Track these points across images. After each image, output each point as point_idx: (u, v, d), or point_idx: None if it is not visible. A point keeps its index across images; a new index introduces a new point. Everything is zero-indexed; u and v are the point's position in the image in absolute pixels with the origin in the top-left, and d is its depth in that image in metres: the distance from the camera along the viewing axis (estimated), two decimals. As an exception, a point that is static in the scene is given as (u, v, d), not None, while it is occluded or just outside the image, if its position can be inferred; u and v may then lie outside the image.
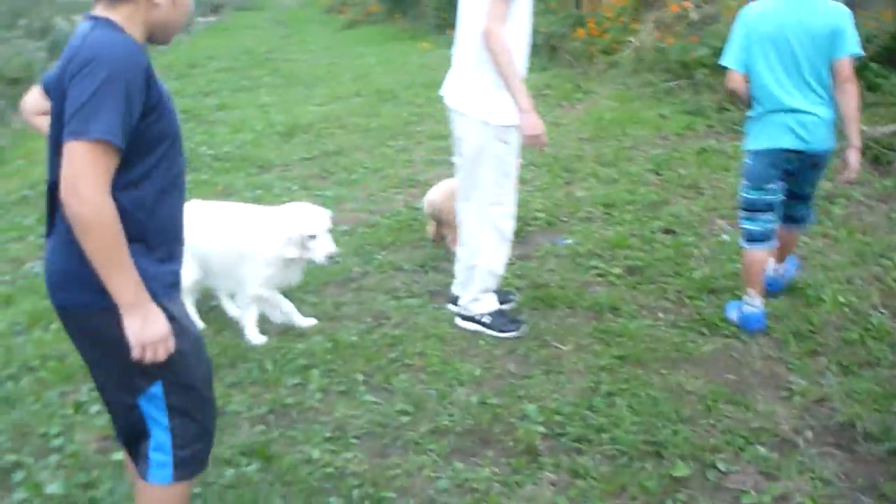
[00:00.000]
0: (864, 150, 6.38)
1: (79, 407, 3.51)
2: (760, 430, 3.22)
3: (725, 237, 5.13)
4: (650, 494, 2.85)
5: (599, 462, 3.03)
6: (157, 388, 2.12)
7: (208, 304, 4.51)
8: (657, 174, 6.37)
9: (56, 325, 4.24)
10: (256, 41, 17.76)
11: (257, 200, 6.25)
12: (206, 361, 2.23)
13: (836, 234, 5.14)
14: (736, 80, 3.95)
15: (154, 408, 2.15)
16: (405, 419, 3.34)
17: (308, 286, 4.59)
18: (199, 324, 4.19)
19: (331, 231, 3.98)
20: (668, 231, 5.25)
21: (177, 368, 2.11)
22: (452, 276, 4.37)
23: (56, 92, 1.97)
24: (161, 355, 2.02)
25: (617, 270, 4.67)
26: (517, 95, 3.58)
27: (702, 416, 3.31)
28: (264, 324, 4.25)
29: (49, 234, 2.11)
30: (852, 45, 3.68)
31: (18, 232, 5.84)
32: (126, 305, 1.95)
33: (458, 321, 4.12)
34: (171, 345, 2.05)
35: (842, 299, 4.24)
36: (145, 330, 1.98)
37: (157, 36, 2.14)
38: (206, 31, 22.72)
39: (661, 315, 4.17)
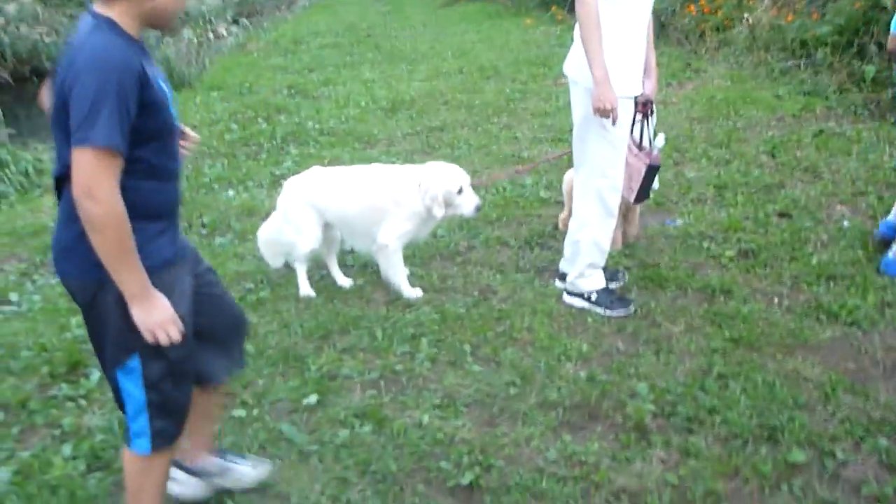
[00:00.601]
0: None
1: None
2: (882, 421, 3.10)
3: (846, 223, 4.92)
4: (765, 478, 2.80)
5: (711, 443, 2.99)
6: (134, 362, 2.21)
7: (319, 272, 4.64)
8: (772, 156, 6.16)
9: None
10: (358, 18, 18.01)
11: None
12: (186, 337, 2.22)
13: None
14: None
15: (131, 381, 2.23)
16: (513, 391, 3.37)
17: (415, 259, 4.67)
18: (311, 292, 4.32)
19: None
20: (783, 215, 5.08)
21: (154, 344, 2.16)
22: (559, 252, 4.37)
23: (57, 94, 2.07)
24: (174, 336, 2.15)
25: (730, 253, 4.55)
26: (592, 65, 3.52)
27: (819, 404, 3.22)
28: (373, 293, 4.36)
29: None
30: None
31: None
32: (132, 296, 2.09)
33: (566, 297, 4.11)
34: (179, 324, 2.16)
35: (973, 291, 4.02)
36: (152, 316, 2.11)
37: (157, 24, 2.22)
38: (309, 8, 23.19)
39: (776, 300, 4.05)
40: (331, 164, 6.71)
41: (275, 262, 4.53)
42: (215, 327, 2.54)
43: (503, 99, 8.83)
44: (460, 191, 4.07)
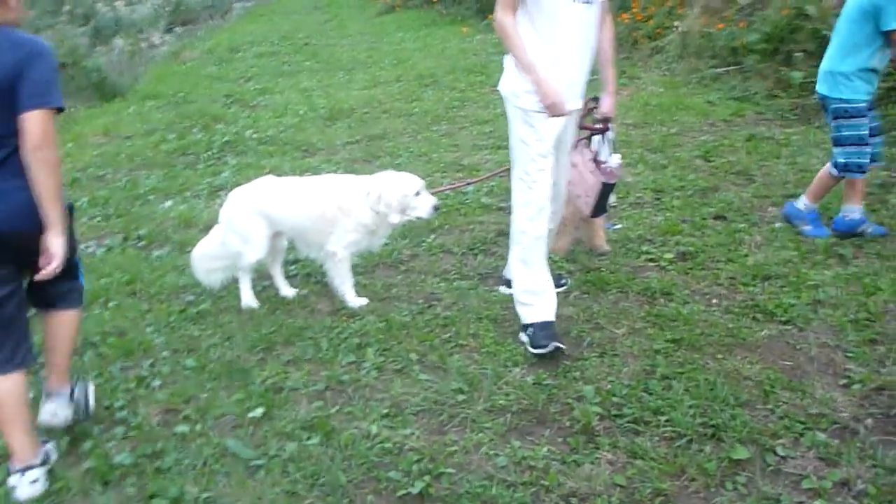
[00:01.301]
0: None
1: (141, 381, 3.59)
2: (819, 416, 3.20)
3: (778, 224, 5.07)
4: (709, 476, 2.85)
5: (657, 443, 3.03)
6: (77, 259, 3.14)
7: (262, 283, 4.57)
8: (706, 160, 6.31)
9: (114, 302, 4.34)
10: (295, 26, 17.86)
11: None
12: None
13: (893, 222, 5.06)
14: None
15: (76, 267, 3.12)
16: (461, 398, 3.36)
17: (358, 267, 4.63)
18: (254, 303, 4.26)
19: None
20: (719, 217, 5.20)
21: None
22: (503, 258, 4.39)
23: None
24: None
25: (669, 255, 4.64)
26: (529, 75, 3.51)
27: (759, 402, 3.30)
28: (317, 303, 4.31)
29: None
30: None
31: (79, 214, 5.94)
32: (61, 227, 2.76)
33: (503, 289, 4.22)
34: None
35: (900, 287, 4.18)
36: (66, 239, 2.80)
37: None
38: (244, 16, 22.90)
39: (714, 300, 4.14)
40: (271, 174, 6.65)
41: (211, 279, 4.40)
42: None
43: (442, 107, 8.85)
44: (417, 193, 4.12)
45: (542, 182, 3.65)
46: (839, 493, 2.78)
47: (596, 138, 4.09)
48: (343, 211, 4.11)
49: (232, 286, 4.55)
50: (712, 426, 3.10)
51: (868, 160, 4.78)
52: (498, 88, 3.79)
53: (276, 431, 3.17)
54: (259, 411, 3.28)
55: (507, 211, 5.53)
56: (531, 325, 3.73)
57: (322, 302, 4.33)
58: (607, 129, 4.03)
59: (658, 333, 3.81)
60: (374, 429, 3.15)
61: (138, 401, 3.44)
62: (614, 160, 4.18)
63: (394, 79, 10.67)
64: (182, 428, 3.21)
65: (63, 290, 3.09)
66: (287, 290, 4.43)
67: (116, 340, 3.92)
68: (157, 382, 3.56)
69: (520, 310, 3.81)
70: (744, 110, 7.68)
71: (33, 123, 2.62)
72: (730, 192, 5.63)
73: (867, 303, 4.03)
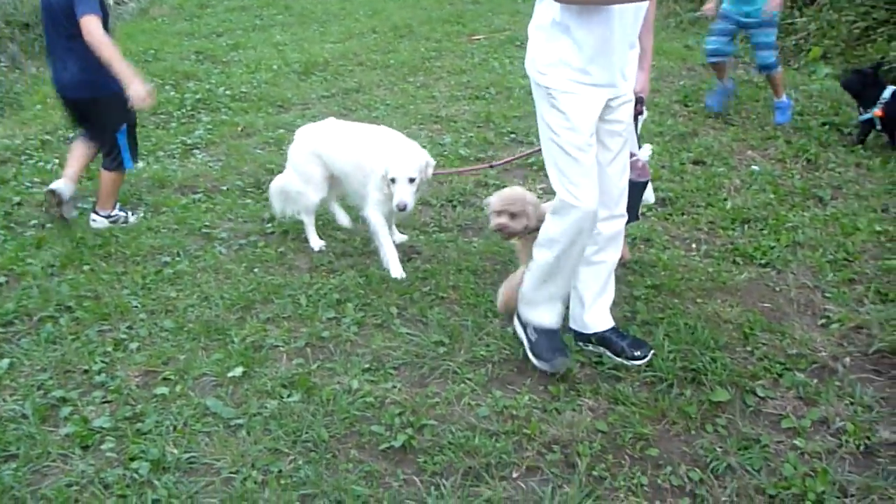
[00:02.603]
0: (898, 77, 6.26)
1: (118, 344, 3.54)
2: (798, 356, 3.22)
3: (756, 168, 5.06)
4: (690, 419, 2.87)
5: (638, 389, 3.05)
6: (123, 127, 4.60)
7: (238, 242, 4.51)
8: (685, 105, 6.28)
9: (88, 266, 4.27)
10: (267, -20, 17.42)
11: (279, 140, 6.23)
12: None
13: (870, 163, 5.07)
14: None
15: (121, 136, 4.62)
16: (442, 350, 3.35)
17: (334, 223, 4.59)
18: (317, 245, 4.39)
19: (413, 181, 3.83)
20: (697, 162, 5.19)
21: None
22: (481, 209, 4.35)
23: (52, 8, 4.40)
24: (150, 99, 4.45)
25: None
26: None
27: (739, 344, 3.32)
28: (295, 260, 4.27)
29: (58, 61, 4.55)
30: None
31: (42, 176, 5.82)
32: (130, 77, 4.32)
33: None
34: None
35: (878, 228, 4.20)
36: (141, 84, 4.35)
37: None
38: (214, -30, 22.29)
39: (693, 245, 4.14)
40: (244, 130, 6.55)
41: (288, 212, 4.51)
42: None
43: (418, 58, 8.72)
44: (392, 180, 3.83)
45: (584, 185, 2.89)
46: (818, 431, 2.81)
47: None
48: (371, 167, 3.99)
49: (208, 246, 4.50)
50: (693, 370, 3.12)
51: None
52: (525, 66, 3.06)
53: (257, 390, 3.15)
54: (239, 370, 3.25)
55: (485, 162, 5.49)
56: (534, 327, 3.21)
57: (300, 259, 4.28)
58: (640, 112, 3.31)
59: (638, 280, 3.81)
60: (355, 384, 3.14)
61: (116, 364, 3.39)
62: (644, 153, 3.46)
63: (368, 30, 10.48)
64: (161, 389, 3.18)
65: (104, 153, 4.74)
66: (343, 219, 4.63)
67: (92, 304, 3.86)
68: (134, 345, 3.51)
69: (521, 307, 3.28)
70: (722, 53, 7.60)
71: (85, 24, 4.20)
72: (708, 136, 5.61)
73: (845, 243, 4.05)
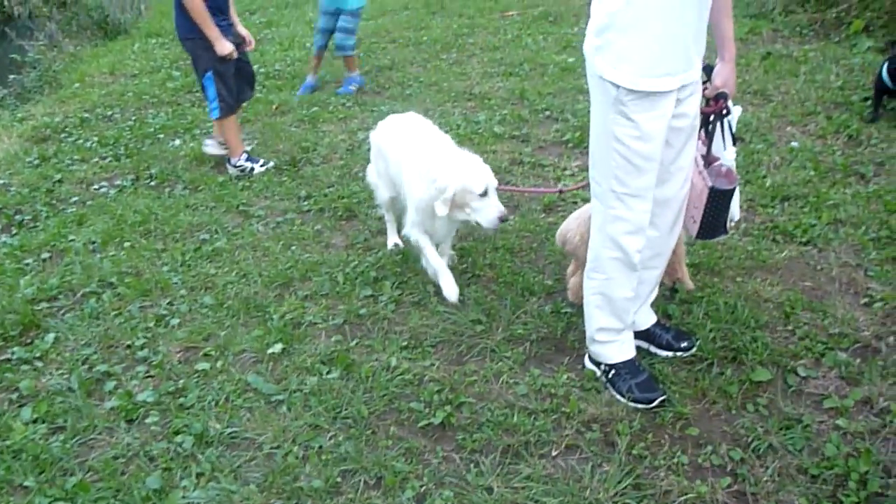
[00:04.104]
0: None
1: (160, 320, 3.60)
2: (840, 336, 3.17)
3: (795, 144, 4.97)
4: (731, 398, 2.85)
5: (678, 368, 3.03)
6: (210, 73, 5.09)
7: (275, 220, 4.55)
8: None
9: (129, 243, 4.34)
10: (298, -44, 17.38)
11: (313, 118, 6.25)
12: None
13: (913, 137, 4.95)
14: None
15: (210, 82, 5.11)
16: (479, 328, 3.36)
17: (373, 200, 4.59)
18: (392, 243, 4.11)
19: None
20: (736, 139, 5.08)
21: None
22: (516, 186, 4.32)
23: None
24: (234, 54, 5.02)
25: (685, 179, 4.56)
26: None
27: (780, 323, 3.27)
28: (332, 238, 4.29)
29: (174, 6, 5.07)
30: None
31: (82, 154, 5.92)
32: (215, 38, 4.87)
33: (586, 360, 3.11)
34: (235, 53, 5.05)
35: (923, 204, 4.11)
36: (225, 46, 4.92)
37: None
38: (245, -53, 22.26)
39: (733, 223, 4.08)
40: (280, 108, 6.57)
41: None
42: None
43: (451, 34, 8.67)
44: (484, 194, 3.35)
45: (642, 196, 2.63)
46: (861, 411, 2.78)
47: (707, 125, 2.84)
48: (409, 184, 3.57)
49: (246, 223, 4.54)
50: (733, 349, 3.09)
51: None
52: (583, 51, 2.67)
53: (297, 366, 3.18)
54: (278, 347, 3.29)
55: (519, 139, 5.46)
56: (614, 365, 2.95)
57: (337, 236, 4.31)
58: (727, 111, 2.80)
59: (677, 258, 3.77)
60: (393, 361, 3.16)
61: (158, 339, 3.45)
62: (729, 155, 2.91)
63: (401, 7, 10.44)
64: (203, 365, 3.23)
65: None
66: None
67: (133, 280, 3.93)
68: (175, 321, 3.57)
69: (594, 348, 2.99)
70: (760, 28, 7.47)
71: None
72: (747, 112, 5.51)
73: (888, 220, 3.97)
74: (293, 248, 4.21)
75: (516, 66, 7.32)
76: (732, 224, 3.23)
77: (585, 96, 6.07)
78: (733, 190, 2.85)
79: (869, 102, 5.38)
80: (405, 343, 3.30)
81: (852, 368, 2.98)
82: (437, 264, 3.59)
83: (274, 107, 6.68)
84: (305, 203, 4.76)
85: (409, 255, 3.98)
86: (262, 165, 5.30)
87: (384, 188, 3.96)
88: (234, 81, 5.17)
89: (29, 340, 3.50)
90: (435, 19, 9.55)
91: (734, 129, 2.91)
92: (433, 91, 6.77)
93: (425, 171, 3.43)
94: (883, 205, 4.14)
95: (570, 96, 6.19)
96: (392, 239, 4.12)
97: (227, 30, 5.06)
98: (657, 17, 2.40)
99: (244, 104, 5.72)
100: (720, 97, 2.74)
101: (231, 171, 5.28)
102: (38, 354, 3.37)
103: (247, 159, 5.29)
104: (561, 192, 4.24)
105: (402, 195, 3.72)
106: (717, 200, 2.81)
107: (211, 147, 5.54)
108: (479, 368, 3.11)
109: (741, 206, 4.19)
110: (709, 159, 2.84)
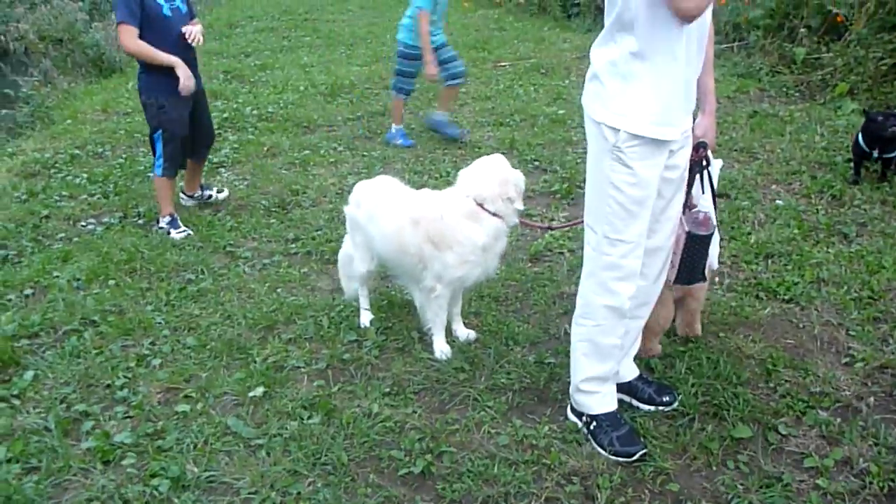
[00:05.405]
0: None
1: (141, 360, 3.57)
2: (822, 394, 3.19)
3: (780, 202, 5.04)
4: (711, 454, 2.85)
5: (660, 422, 3.02)
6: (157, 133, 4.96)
7: (262, 262, 4.55)
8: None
9: (113, 281, 4.32)
10: (295, 1, 17.66)
11: (304, 161, 6.30)
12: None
13: (896, 200, 5.03)
14: None
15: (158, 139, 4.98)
16: (462, 376, 3.35)
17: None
18: (366, 321, 3.85)
19: None
20: (721, 195, 5.16)
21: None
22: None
23: None
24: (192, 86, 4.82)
25: (671, 233, 4.61)
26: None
27: (762, 380, 3.29)
28: (318, 281, 4.30)
29: None
30: None
31: (70, 190, 5.92)
32: (172, 63, 4.70)
33: (568, 411, 3.11)
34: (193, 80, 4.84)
35: (903, 266, 4.16)
36: (186, 73, 4.75)
37: None
38: (244, -9, 22.60)
39: (717, 279, 4.12)
40: (270, 150, 6.62)
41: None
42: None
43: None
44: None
45: (634, 242, 2.70)
46: (841, 471, 2.78)
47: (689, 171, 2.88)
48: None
49: (232, 264, 4.54)
50: (715, 405, 3.10)
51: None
52: (582, 103, 2.73)
53: (278, 410, 3.16)
54: (260, 390, 3.27)
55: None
56: (595, 417, 2.96)
57: (323, 280, 4.31)
58: (707, 161, 2.90)
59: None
60: (375, 407, 3.14)
61: (139, 379, 3.42)
62: (706, 203, 3.01)
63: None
64: (183, 407, 3.20)
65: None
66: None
67: (116, 319, 3.91)
68: (157, 361, 3.55)
69: (578, 398, 3.00)
70: (747, 87, 7.62)
71: (118, 33, 4.78)
72: (733, 169, 5.60)
73: (870, 281, 4.01)
74: (279, 290, 4.21)
75: (507, 116, 7.42)
76: (711, 272, 3.33)
77: (574, 147, 6.20)
78: (710, 236, 2.93)
79: (851, 163, 5.48)
80: (387, 389, 3.28)
81: (833, 428, 2.98)
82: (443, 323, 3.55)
83: (265, 148, 6.73)
84: (293, 245, 4.77)
85: (395, 302, 3.98)
86: (179, 233, 4.97)
87: (361, 261, 3.73)
88: (188, 142, 5.03)
89: (7, 378, 3.46)
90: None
91: (715, 183, 3.03)
92: (424, 139, 6.84)
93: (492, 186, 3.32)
94: (865, 265, 4.19)
95: (560, 147, 6.27)
96: (367, 316, 3.84)
97: (192, 64, 4.89)
98: (661, 68, 2.49)
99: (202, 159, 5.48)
100: (700, 146, 2.83)
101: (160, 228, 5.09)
102: (15, 392, 3.33)
103: (169, 223, 5.03)
104: (550, 228, 4.30)
105: (400, 266, 3.58)
106: (695, 246, 2.90)
107: (187, 201, 5.57)
108: (461, 417, 3.10)
109: (725, 261, 4.27)
110: (688, 204, 2.93)
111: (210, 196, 5.56)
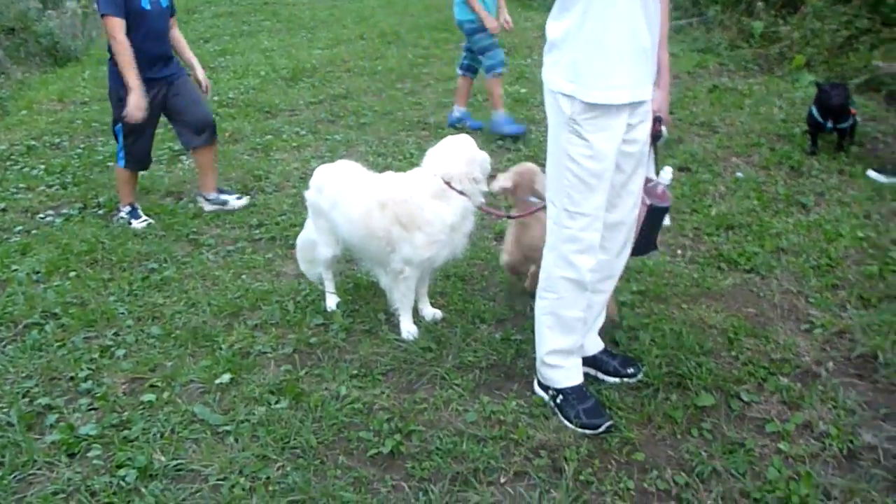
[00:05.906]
0: (879, 87, 6.35)
1: (105, 351, 3.53)
2: (782, 361, 3.25)
3: (740, 174, 5.10)
4: (676, 423, 2.89)
5: (625, 394, 3.06)
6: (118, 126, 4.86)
7: (226, 249, 4.51)
8: (670, 113, 6.27)
9: (74, 272, 4.26)
10: (254, -14, 17.42)
11: (267, 146, 6.24)
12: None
13: (853, 169, 5.12)
14: None
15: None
16: (430, 356, 3.36)
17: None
18: (332, 304, 3.84)
19: None
20: (683, 169, 5.22)
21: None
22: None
23: None
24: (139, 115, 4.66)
25: (634, 208, 4.65)
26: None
27: (724, 349, 3.34)
28: (283, 266, 4.27)
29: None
30: None
31: (27, 182, 5.81)
32: (133, 86, 4.61)
33: (535, 386, 3.14)
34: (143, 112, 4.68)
35: (860, 234, 4.25)
36: (133, 103, 4.62)
37: None
38: (201, -24, 22.25)
39: (679, 251, 4.17)
40: (232, 136, 6.54)
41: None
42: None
43: (406, 64, 8.75)
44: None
45: (592, 215, 2.73)
46: (802, 435, 2.84)
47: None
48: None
49: (195, 252, 4.49)
50: (678, 375, 3.14)
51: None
52: (542, 78, 2.76)
53: (245, 396, 3.15)
54: (227, 377, 3.25)
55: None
56: (561, 390, 2.99)
57: (288, 265, 4.29)
58: (659, 133, 2.90)
59: (624, 285, 3.83)
60: (343, 390, 3.14)
61: (103, 371, 3.39)
62: (665, 176, 3.06)
63: (356, 37, 10.51)
64: (149, 396, 3.17)
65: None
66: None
67: (78, 311, 3.85)
68: (121, 352, 3.51)
69: (544, 371, 3.03)
70: (707, 62, 7.69)
71: (104, 24, 4.63)
72: (694, 143, 5.66)
73: (828, 249, 4.09)
74: (243, 276, 4.18)
75: (470, 96, 7.40)
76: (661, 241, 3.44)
77: (537, 127, 6.21)
78: (668, 208, 3.01)
79: (809, 135, 5.56)
80: (355, 371, 3.28)
81: (793, 393, 3.04)
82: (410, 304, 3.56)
83: (227, 134, 6.66)
84: (257, 231, 4.73)
85: (360, 284, 3.98)
86: (141, 222, 4.90)
87: (326, 246, 3.71)
88: (150, 138, 4.97)
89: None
90: (390, 49, 9.64)
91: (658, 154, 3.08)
92: (388, 120, 6.82)
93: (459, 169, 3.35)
94: (823, 233, 4.27)
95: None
96: (333, 299, 3.82)
97: (169, 58, 4.92)
98: (610, 32, 2.52)
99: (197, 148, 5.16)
100: (656, 120, 2.85)
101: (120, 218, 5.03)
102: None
103: (129, 212, 4.98)
104: (510, 216, 4.28)
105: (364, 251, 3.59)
106: (654, 218, 2.96)
107: (205, 204, 5.21)
108: (429, 396, 3.11)
109: (687, 234, 4.32)
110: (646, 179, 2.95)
111: (226, 202, 5.16)
